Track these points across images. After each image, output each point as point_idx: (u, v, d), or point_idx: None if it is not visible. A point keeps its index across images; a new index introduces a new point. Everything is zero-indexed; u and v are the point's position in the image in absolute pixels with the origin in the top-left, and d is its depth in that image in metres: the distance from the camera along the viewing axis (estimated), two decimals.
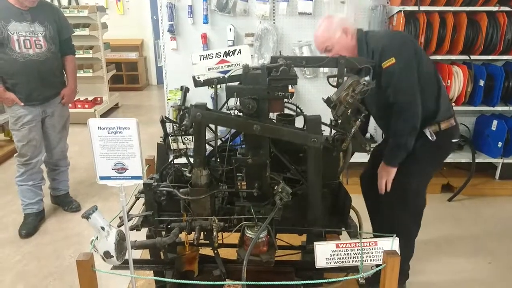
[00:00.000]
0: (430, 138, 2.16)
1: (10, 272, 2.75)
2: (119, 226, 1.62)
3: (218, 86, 1.77)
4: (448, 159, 3.77)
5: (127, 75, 8.22)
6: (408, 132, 2.08)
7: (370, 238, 1.62)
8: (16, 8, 2.84)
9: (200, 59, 1.68)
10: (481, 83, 3.54)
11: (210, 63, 1.68)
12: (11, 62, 2.88)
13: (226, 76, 1.70)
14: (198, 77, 1.72)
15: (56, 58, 3.09)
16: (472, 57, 3.56)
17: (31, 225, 3.19)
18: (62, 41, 3.11)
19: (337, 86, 1.86)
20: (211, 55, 1.68)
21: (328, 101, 1.76)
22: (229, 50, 1.68)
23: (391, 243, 1.56)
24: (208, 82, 1.73)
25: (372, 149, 1.80)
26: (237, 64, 1.68)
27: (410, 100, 2.04)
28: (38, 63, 2.94)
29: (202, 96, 3.68)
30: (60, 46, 3.11)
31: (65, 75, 3.25)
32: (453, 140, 2.27)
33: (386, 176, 2.19)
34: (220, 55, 1.68)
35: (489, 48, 3.52)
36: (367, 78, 2.00)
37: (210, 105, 3.60)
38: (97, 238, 1.43)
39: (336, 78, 1.90)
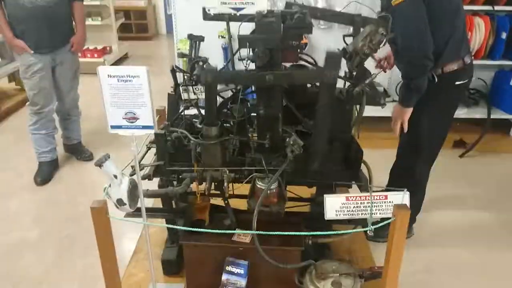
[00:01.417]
0: (430, 78, 2.13)
1: (27, 216, 2.85)
2: (131, 175, 1.64)
3: (231, 36, 1.71)
4: (463, 115, 3.72)
5: (136, 24, 8.04)
6: (418, 73, 2.03)
7: (381, 191, 1.62)
8: None
9: None
10: (503, 35, 3.39)
11: None
12: (19, 8, 2.82)
13: (238, 13, 1.62)
14: (209, 10, 1.65)
15: (64, 4, 3.01)
16: (496, 7, 3.38)
17: (46, 172, 3.27)
18: None
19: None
20: None
21: (343, 52, 1.70)
22: None
23: (402, 197, 1.56)
24: (219, 17, 1.66)
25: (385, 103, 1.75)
26: (252, 3, 1.60)
27: (417, 43, 1.99)
28: (45, 9, 2.87)
29: (213, 46, 3.60)
30: None
31: (73, 22, 3.18)
32: (457, 83, 2.20)
33: (401, 117, 2.18)
34: None
35: None
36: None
37: (221, 56, 3.54)
38: (110, 185, 1.45)
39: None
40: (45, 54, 3.00)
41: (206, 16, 1.66)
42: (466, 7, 3.38)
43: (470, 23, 3.36)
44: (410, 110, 2.15)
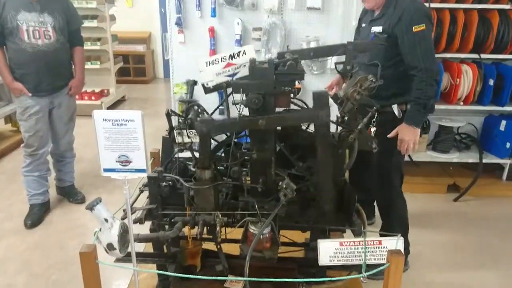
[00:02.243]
0: (397, 114, 2.39)
1: (14, 262, 2.77)
2: (122, 218, 1.62)
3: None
4: (455, 159, 3.77)
5: (134, 68, 8.22)
6: (433, 95, 2.27)
7: (375, 237, 1.60)
8: None
9: (207, 65, 1.67)
10: (491, 82, 3.49)
11: (217, 68, 1.67)
12: (20, 52, 2.89)
13: (234, 79, 1.68)
14: (207, 84, 1.71)
15: (65, 49, 3.09)
16: (483, 55, 3.51)
17: (36, 215, 3.21)
18: (71, 32, 3.11)
19: (345, 73, 1.84)
20: (216, 60, 1.67)
21: (335, 98, 1.75)
22: (233, 53, 1.66)
23: (396, 242, 1.55)
24: (217, 87, 1.73)
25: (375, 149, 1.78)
26: (244, 66, 1.66)
27: (434, 67, 2.26)
28: (46, 54, 2.94)
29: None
30: (69, 37, 3.10)
31: (73, 66, 3.25)
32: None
33: (413, 138, 2.31)
34: (226, 59, 1.67)
35: (500, 47, 3.47)
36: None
37: (216, 99, 3.61)
38: (100, 230, 1.43)
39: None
40: (43, 97, 3.04)
41: (207, 91, 1.74)
42: (453, 55, 3.54)
43: (458, 70, 3.48)
44: (419, 131, 2.33)
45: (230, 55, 1.66)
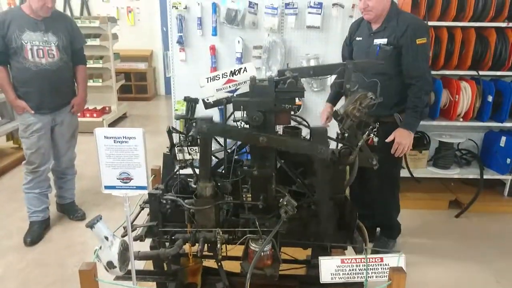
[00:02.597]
0: (398, 123, 2.57)
1: (13, 280, 2.75)
2: (123, 236, 1.62)
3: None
4: (456, 175, 3.76)
5: (136, 85, 8.30)
6: (427, 103, 2.56)
7: (376, 254, 1.59)
8: (31, 18, 2.89)
9: (208, 81, 1.69)
10: (490, 98, 3.51)
11: (218, 84, 1.69)
12: (24, 71, 2.92)
13: (234, 95, 1.70)
14: (208, 99, 1.74)
15: (68, 67, 3.13)
16: (481, 72, 3.54)
17: (36, 233, 3.20)
18: (74, 51, 3.16)
19: (345, 92, 1.86)
20: (217, 76, 1.70)
21: (335, 115, 1.77)
22: (234, 70, 1.69)
23: (397, 260, 1.54)
24: (218, 103, 1.75)
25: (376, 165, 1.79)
26: (245, 82, 1.69)
27: (430, 78, 2.55)
28: (50, 72, 2.98)
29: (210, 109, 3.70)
30: (72, 56, 3.15)
31: (75, 84, 3.29)
32: None
33: (410, 142, 2.53)
34: (227, 75, 1.70)
35: (498, 64, 3.50)
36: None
37: (217, 117, 3.64)
38: (100, 247, 1.43)
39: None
40: (46, 114, 3.07)
41: (207, 106, 1.76)
42: (452, 72, 3.57)
43: (457, 87, 3.50)
44: (413, 135, 2.56)
45: (231, 71, 1.68)
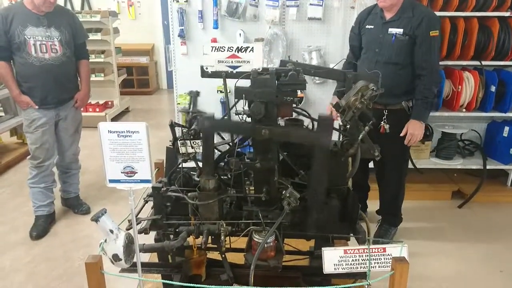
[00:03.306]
0: (406, 110, 2.65)
1: (20, 274, 2.78)
2: (127, 229, 1.63)
3: (228, 90, 1.78)
4: (459, 165, 3.76)
5: (138, 79, 8.29)
6: (436, 94, 2.66)
7: (379, 244, 1.61)
8: (33, 13, 2.90)
9: (212, 50, 1.68)
10: (493, 89, 3.50)
11: (221, 55, 1.68)
12: (27, 66, 2.93)
13: (235, 71, 1.69)
14: (207, 68, 1.72)
15: (71, 62, 3.14)
16: (484, 62, 3.53)
17: (42, 227, 3.23)
18: (77, 45, 3.16)
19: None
20: (223, 47, 1.67)
21: (336, 107, 1.77)
22: (241, 46, 1.67)
23: (400, 250, 1.55)
24: (216, 74, 1.72)
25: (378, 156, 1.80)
26: (248, 62, 1.67)
27: (438, 69, 2.66)
28: (53, 67, 2.99)
29: (211, 101, 3.71)
30: (75, 50, 3.15)
31: (78, 79, 3.30)
32: None
33: (422, 132, 2.60)
34: (232, 50, 1.68)
35: (501, 54, 3.49)
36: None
37: (219, 110, 3.64)
38: (105, 241, 1.44)
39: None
40: (50, 109, 3.08)
41: (204, 74, 1.73)
42: (455, 63, 3.55)
43: (460, 78, 3.49)
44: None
45: (238, 47, 1.67)
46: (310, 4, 3.53)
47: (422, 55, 2.53)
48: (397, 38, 2.56)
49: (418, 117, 2.59)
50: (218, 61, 1.68)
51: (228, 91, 1.80)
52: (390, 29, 2.59)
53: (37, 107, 3.01)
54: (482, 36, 3.46)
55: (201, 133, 1.68)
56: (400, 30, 2.55)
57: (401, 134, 2.61)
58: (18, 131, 4.96)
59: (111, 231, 1.42)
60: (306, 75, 2.24)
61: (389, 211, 3.09)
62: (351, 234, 1.81)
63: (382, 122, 2.62)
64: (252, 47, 1.67)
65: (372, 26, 2.70)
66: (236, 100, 1.64)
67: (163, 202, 1.76)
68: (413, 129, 2.59)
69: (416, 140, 2.62)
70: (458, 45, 3.43)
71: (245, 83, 1.67)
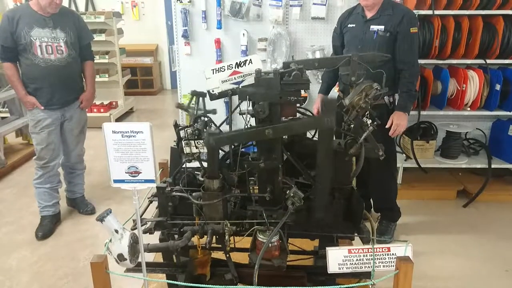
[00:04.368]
0: (388, 105, 2.75)
1: (26, 273, 2.80)
2: (132, 229, 1.64)
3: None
4: (464, 164, 3.75)
5: (142, 80, 8.32)
6: (416, 85, 2.77)
7: (383, 243, 1.61)
8: (39, 15, 2.92)
9: (213, 73, 1.70)
10: (497, 87, 3.48)
11: (223, 75, 1.70)
12: (33, 67, 2.96)
13: (240, 86, 1.71)
14: (213, 91, 1.74)
15: (76, 63, 3.16)
16: (488, 61, 3.51)
17: (47, 227, 3.25)
18: (82, 47, 3.18)
19: (350, 84, 1.86)
20: (223, 68, 1.70)
21: (341, 106, 1.77)
22: (240, 61, 1.69)
23: (404, 249, 1.55)
24: (223, 94, 1.75)
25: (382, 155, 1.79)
26: (250, 74, 1.69)
27: (418, 64, 2.78)
28: (59, 68, 3.01)
29: (216, 101, 3.71)
30: (80, 51, 3.17)
31: (83, 80, 3.32)
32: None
33: (406, 122, 2.70)
34: (232, 67, 1.70)
35: (506, 52, 3.46)
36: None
37: (223, 110, 3.64)
38: (111, 240, 1.45)
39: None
40: (55, 110, 3.10)
41: (213, 97, 1.76)
42: (459, 61, 3.54)
43: (464, 76, 3.48)
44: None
45: (237, 63, 1.69)
46: (314, 4, 3.54)
47: (404, 50, 2.64)
48: (379, 34, 2.67)
49: (403, 109, 2.69)
50: (222, 81, 1.70)
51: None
52: (371, 27, 2.70)
53: (42, 107, 3.03)
54: (486, 35, 3.43)
55: (206, 149, 1.68)
56: (381, 27, 2.66)
57: (387, 126, 2.67)
58: (23, 132, 5.00)
59: (116, 231, 1.43)
60: (311, 69, 2.28)
61: (384, 206, 3.12)
62: (356, 234, 1.81)
63: (365, 117, 2.63)
64: (250, 59, 1.68)
65: (354, 25, 2.80)
66: (240, 101, 1.65)
67: (168, 202, 1.77)
68: (398, 120, 2.67)
69: (400, 131, 2.71)
70: (462, 44, 3.42)
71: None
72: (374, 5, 2.68)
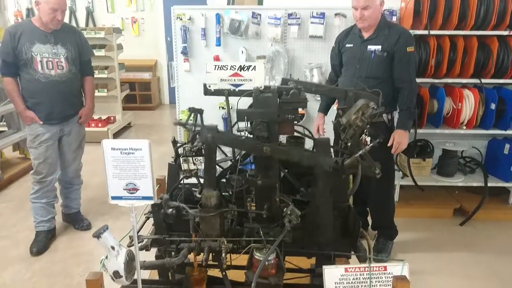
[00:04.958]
0: (387, 122, 2.80)
1: None
2: (129, 245, 1.64)
3: (230, 107, 1.80)
4: (460, 183, 3.76)
5: (141, 95, 8.36)
6: (415, 102, 2.78)
7: (380, 262, 1.60)
8: (41, 31, 2.96)
9: (215, 69, 1.72)
10: (493, 106, 3.52)
11: (224, 74, 1.72)
12: (34, 82, 2.98)
13: (237, 89, 1.72)
14: (209, 86, 1.75)
15: (76, 78, 3.18)
16: (483, 80, 3.56)
17: (42, 242, 3.22)
18: (82, 62, 3.21)
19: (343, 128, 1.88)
20: (225, 66, 1.72)
21: (337, 124, 1.78)
22: (244, 65, 1.71)
23: (401, 268, 1.55)
24: (219, 92, 1.75)
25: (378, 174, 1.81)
26: (250, 80, 1.71)
27: (415, 81, 2.78)
28: (59, 83, 3.03)
29: (213, 117, 3.73)
30: (81, 67, 3.20)
31: (83, 95, 3.34)
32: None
33: (407, 139, 2.74)
34: (235, 68, 1.72)
35: (500, 72, 3.52)
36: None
37: (222, 127, 3.66)
38: (106, 257, 1.44)
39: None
40: (54, 125, 3.11)
41: (207, 92, 1.76)
42: (455, 80, 3.59)
43: (460, 95, 3.52)
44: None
45: (240, 66, 1.71)
46: (311, 23, 3.60)
47: (402, 69, 2.70)
48: (376, 54, 2.72)
49: (403, 127, 2.73)
50: (221, 79, 1.71)
51: (230, 107, 1.83)
52: (369, 46, 2.75)
53: (41, 122, 3.04)
54: (481, 54, 3.49)
55: (203, 147, 1.69)
56: (379, 47, 2.71)
57: (388, 144, 2.71)
58: (20, 146, 4.99)
59: (113, 248, 1.43)
60: (307, 93, 2.29)
61: (382, 224, 3.12)
62: (352, 252, 1.80)
63: (364, 134, 2.63)
64: (254, 66, 1.70)
65: (352, 45, 2.85)
66: (237, 121, 1.67)
67: (164, 220, 1.76)
68: (400, 138, 2.70)
69: (402, 148, 2.74)
70: (458, 63, 3.47)
71: (247, 101, 1.69)
72: (371, 27, 2.73)
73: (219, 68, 1.71)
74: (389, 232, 3.11)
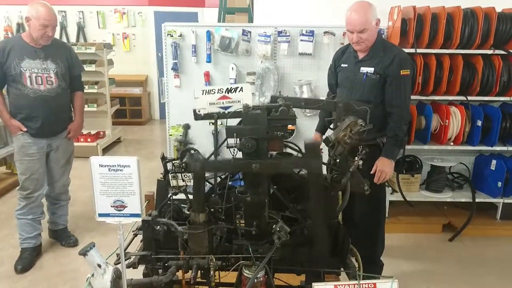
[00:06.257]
0: (381, 146, 2.62)
1: None
2: (116, 263, 1.61)
3: (219, 122, 1.81)
4: (448, 198, 3.80)
5: (131, 110, 8.35)
6: (406, 133, 2.64)
7: (369, 279, 1.60)
8: (31, 47, 2.95)
9: (202, 94, 1.73)
10: (479, 123, 3.58)
11: (212, 98, 1.73)
12: (22, 97, 2.96)
13: (227, 111, 1.73)
14: (199, 111, 1.76)
15: (66, 94, 3.17)
16: (469, 97, 3.62)
17: (27, 260, 3.16)
18: (72, 78, 3.20)
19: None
20: (213, 90, 1.73)
21: (326, 141, 1.80)
22: (231, 87, 1.73)
23: (390, 285, 1.54)
24: (208, 116, 1.76)
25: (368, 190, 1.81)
26: (238, 101, 1.72)
27: (408, 108, 2.62)
28: (48, 99, 3.01)
29: (203, 133, 3.73)
30: (70, 82, 3.19)
31: (72, 111, 3.32)
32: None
33: (391, 169, 2.58)
34: (222, 91, 1.73)
35: (486, 89, 3.59)
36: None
37: (211, 141, 3.66)
38: (93, 275, 1.42)
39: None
40: (42, 139, 3.08)
41: (197, 117, 1.77)
42: (441, 97, 3.65)
43: (447, 112, 3.58)
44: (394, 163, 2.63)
45: (227, 88, 1.72)
46: (301, 40, 3.64)
47: (392, 93, 2.54)
48: (368, 77, 2.58)
49: (388, 155, 2.56)
50: (210, 103, 1.73)
51: (220, 123, 1.83)
52: (362, 68, 2.61)
53: (25, 130, 3.01)
54: (467, 73, 3.57)
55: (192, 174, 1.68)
56: (371, 69, 2.57)
57: (371, 172, 2.55)
58: (7, 161, 4.92)
59: (99, 266, 1.41)
60: (297, 108, 2.29)
61: (366, 257, 2.55)
62: (342, 269, 1.80)
63: (357, 157, 2.49)
64: (241, 87, 1.72)
65: (346, 65, 2.73)
66: (226, 138, 1.67)
67: (153, 236, 1.75)
68: (382, 166, 2.54)
69: (385, 178, 2.57)
70: (444, 81, 3.54)
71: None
72: (366, 48, 2.61)
73: (207, 93, 1.73)
74: (373, 268, 2.46)
